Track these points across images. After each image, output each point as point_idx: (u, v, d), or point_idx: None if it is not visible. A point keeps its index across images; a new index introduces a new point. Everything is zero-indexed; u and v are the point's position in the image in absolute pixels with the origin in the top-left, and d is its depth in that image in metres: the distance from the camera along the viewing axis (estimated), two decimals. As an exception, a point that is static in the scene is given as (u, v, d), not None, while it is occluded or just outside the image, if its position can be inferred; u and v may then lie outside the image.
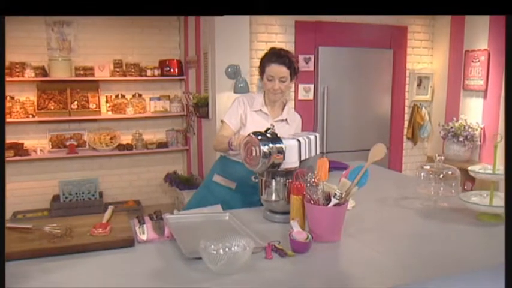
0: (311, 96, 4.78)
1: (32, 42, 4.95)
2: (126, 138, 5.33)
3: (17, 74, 4.78)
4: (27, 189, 5.10)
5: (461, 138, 4.39)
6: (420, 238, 1.80)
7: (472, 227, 1.90)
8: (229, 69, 4.12)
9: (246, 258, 1.39)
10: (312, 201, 1.68)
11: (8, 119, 4.74)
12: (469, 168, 2.06)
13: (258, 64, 4.46)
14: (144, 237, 1.70)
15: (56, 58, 4.89)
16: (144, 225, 1.80)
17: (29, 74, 4.78)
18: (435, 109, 5.22)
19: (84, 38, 5.13)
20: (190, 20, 5.07)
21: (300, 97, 4.76)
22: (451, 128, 4.51)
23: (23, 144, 4.93)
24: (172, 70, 5.27)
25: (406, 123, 5.25)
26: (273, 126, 2.15)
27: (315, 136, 2.07)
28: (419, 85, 5.15)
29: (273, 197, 1.91)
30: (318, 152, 2.10)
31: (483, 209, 1.95)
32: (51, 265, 1.48)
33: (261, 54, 4.48)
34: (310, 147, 2.02)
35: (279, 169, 1.90)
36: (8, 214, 4.96)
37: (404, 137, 5.26)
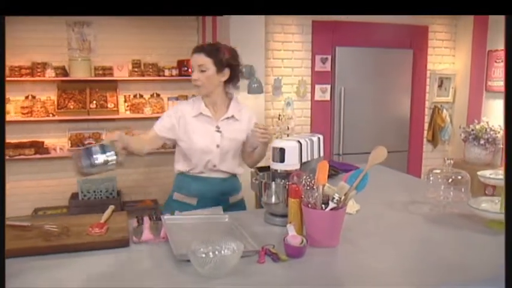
0: (328, 97, 4.72)
1: (53, 42, 5.04)
2: (144, 138, 5.37)
3: (39, 73, 4.87)
4: (47, 187, 5.20)
5: (482, 141, 4.27)
6: (424, 245, 1.74)
7: (480, 234, 1.82)
8: (244, 70, 4.08)
9: (234, 262, 1.37)
10: (309, 205, 1.64)
11: (29, 118, 4.86)
12: (479, 173, 1.98)
13: (273, 64, 4.52)
14: (139, 237, 1.69)
15: (75, 58, 4.97)
16: (142, 226, 1.81)
17: (50, 74, 4.86)
18: (457, 111, 5.09)
19: (104, 38, 5.19)
20: (207, 20, 5.07)
21: (316, 98, 4.71)
22: (472, 130, 4.38)
23: (43, 142, 5.03)
24: (190, 70, 5.27)
25: (426, 125, 5.13)
26: (219, 127, 2.18)
27: (318, 138, 2.03)
28: (440, 86, 5.03)
29: (273, 200, 1.87)
30: (321, 155, 2.05)
31: (492, 216, 1.87)
32: (45, 263, 1.49)
33: (278, 54, 4.54)
34: (313, 149, 1.98)
35: (279, 171, 1.87)
36: (29, 211, 5.07)
37: (424, 140, 5.15)
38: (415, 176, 3.16)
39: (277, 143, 1.89)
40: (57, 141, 5.12)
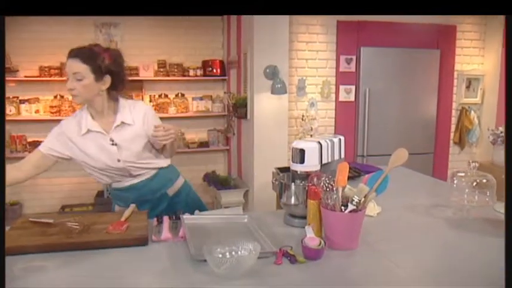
0: (352, 98, 4.67)
1: (81, 43, 5.07)
2: (168, 137, 5.42)
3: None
4: (74, 185, 5.32)
5: (511, 144, 4.14)
6: (445, 250, 1.69)
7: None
8: (268, 70, 4.09)
9: (251, 263, 1.36)
10: (328, 207, 1.62)
11: (57, 117, 4.97)
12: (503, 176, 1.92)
13: (298, 65, 4.50)
14: (158, 236, 1.71)
15: (102, 58, 5.06)
16: (161, 225, 1.83)
17: (78, 73, 4.96)
18: (485, 112, 4.96)
19: (130, 39, 5.28)
20: (232, 20, 5.10)
21: (340, 99, 4.67)
22: (501, 132, 4.26)
23: (70, 141, 5.14)
24: (214, 70, 5.33)
25: (453, 127, 5.02)
26: (113, 141, 2.01)
27: (339, 139, 2.01)
28: (468, 87, 4.91)
29: (292, 201, 1.86)
30: (342, 156, 2.03)
31: (519, 221, 1.81)
32: (66, 259, 1.52)
33: (302, 54, 4.52)
34: (334, 150, 1.96)
35: (298, 172, 1.86)
36: (56, 207, 5.20)
37: (451, 142, 5.04)
38: (440, 179, 3.09)
39: (297, 144, 1.87)
40: (84, 139, 5.22)
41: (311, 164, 1.84)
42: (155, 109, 5.28)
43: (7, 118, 4.87)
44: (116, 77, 1.98)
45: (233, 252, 1.42)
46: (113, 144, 2.01)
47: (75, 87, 1.91)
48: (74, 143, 2.01)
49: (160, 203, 2.21)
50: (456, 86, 4.94)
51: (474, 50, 4.95)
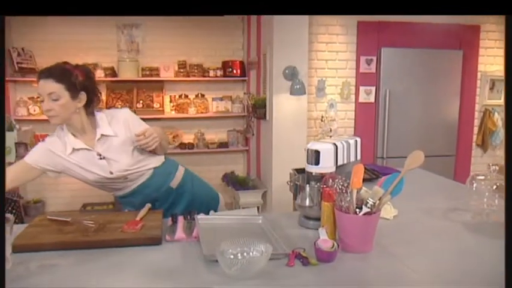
0: (372, 99, 4.63)
1: (104, 44, 5.23)
2: (188, 138, 5.47)
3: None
4: (95, 183, 5.39)
5: (536, 147, 4.04)
6: (462, 255, 1.64)
7: None
8: (287, 71, 4.08)
9: (262, 264, 1.36)
10: (342, 209, 1.61)
11: (79, 117, 5.05)
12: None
13: (317, 66, 4.48)
14: (172, 236, 1.72)
15: (124, 59, 5.13)
16: (176, 224, 1.84)
17: (100, 74, 5.05)
18: (510, 114, 4.84)
19: (151, 40, 5.34)
20: (252, 21, 5.10)
21: (360, 100, 4.63)
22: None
23: (92, 140, 5.22)
24: (234, 71, 5.34)
25: (475, 129, 4.92)
26: (100, 155, 1.98)
27: (356, 141, 1.98)
28: (491, 88, 4.82)
29: (307, 202, 1.85)
30: (358, 158, 2.01)
31: (540, 227, 1.76)
32: (81, 257, 1.54)
33: (321, 55, 4.49)
34: (349, 152, 1.94)
35: (313, 174, 1.84)
36: (78, 205, 5.29)
37: (474, 144, 4.94)
38: (461, 182, 3.02)
39: (313, 145, 1.86)
40: (106, 139, 5.29)
41: (326, 165, 1.82)
42: (175, 109, 5.33)
43: (32, 118, 4.99)
44: (90, 93, 1.96)
45: (245, 254, 1.42)
46: (100, 158, 1.99)
47: (52, 108, 1.86)
48: (64, 159, 1.99)
49: (168, 197, 2.22)
50: (479, 87, 4.85)
51: (498, 50, 4.85)
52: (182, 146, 5.33)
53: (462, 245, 1.74)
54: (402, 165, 3.64)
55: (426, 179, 2.93)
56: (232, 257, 1.40)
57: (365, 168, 2.83)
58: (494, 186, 1.99)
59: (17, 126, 4.54)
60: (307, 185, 1.85)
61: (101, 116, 2.03)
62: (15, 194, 4.24)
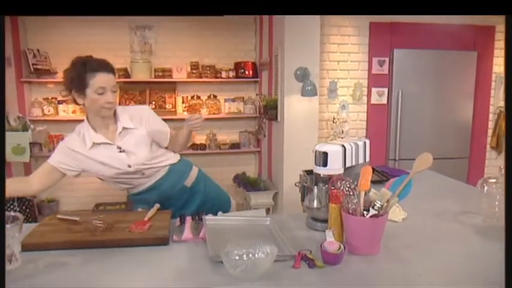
0: (384, 101, 4.60)
1: (117, 45, 5.27)
2: (200, 138, 5.49)
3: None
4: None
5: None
6: (471, 259, 1.61)
7: None
8: (298, 72, 4.08)
9: (267, 266, 1.36)
10: (349, 211, 1.60)
11: (93, 117, 5.10)
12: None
13: (329, 67, 4.46)
14: (179, 236, 1.73)
15: (137, 60, 5.17)
16: (184, 225, 1.85)
17: (113, 75, 5.09)
18: (525, 117, 4.77)
19: (164, 41, 5.36)
20: (265, 22, 5.10)
21: (372, 101, 4.60)
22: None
23: (105, 141, 5.27)
24: (247, 72, 5.34)
25: (489, 132, 4.85)
26: (120, 148, 2.03)
27: (364, 142, 1.97)
28: (507, 90, 4.73)
29: (315, 204, 1.84)
30: (367, 160, 1.99)
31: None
32: (89, 256, 1.56)
33: (333, 56, 4.47)
34: (358, 153, 1.93)
35: (321, 175, 1.84)
36: (91, 205, 5.34)
37: (488, 146, 4.87)
38: (474, 185, 2.98)
39: (321, 147, 1.85)
40: (118, 139, 5.34)
41: (334, 167, 1.81)
42: (187, 110, 5.35)
43: (46, 118, 5.05)
44: None
45: (250, 255, 1.42)
46: (120, 151, 2.06)
47: (114, 100, 2.00)
48: (84, 156, 2.06)
49: (182, 195, 2.26)
50: (494, 88, 4.78)
51: (514, 51, 4.76)
52: (194, 146, 5.35)
53: (471, 248, 1.72)
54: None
55: (437, 181, 2.90)
56: (237, 258, 1.40)
57: (375, 170, 2.84)
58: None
59: (32, 126, 4.61)
60: (315, 187, 1.84)
61: (121, 110, 2.12)
62: (29, 193, 4.30)
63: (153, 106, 5.20)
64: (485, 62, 4.71)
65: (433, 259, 1.59)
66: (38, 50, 5.05)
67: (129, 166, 2.08)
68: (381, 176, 2.80)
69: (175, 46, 5.39)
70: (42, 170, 2.09)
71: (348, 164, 1.87)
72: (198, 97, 5.40)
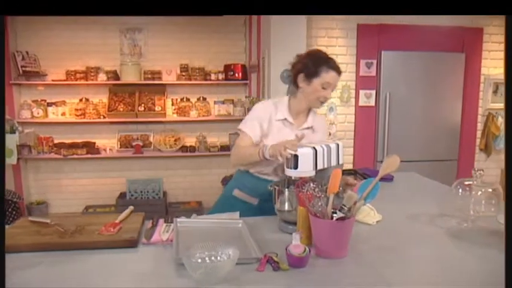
0: (372, 103, 4.60)
1: (107, 48, 5.28)
2: (190, 141, 5.48)
3: (92, 77, 5.12)
4: (97, 186, 5.44)
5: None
6: (443, 263, 1.60)
7: None
8: (284, 74, 4.07)
9: (228, 269, 1.35)
10: (316, 214, 1.59)
11: (82, 119, 5.11)
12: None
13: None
14: (149, 239, 1.72)
15: (126, 63, 5.17)
16: (155, 228, 1.84)
17: (102, 77, 5.10)
18: (513, 119, 4.77)
19: (154, 44, 5.37)
20: (253, 25, 5.10)
21: (360, 103, 4.60)
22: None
23: (94, 143, 5.27)
24: (236, 74, 5.34)
25: (478, 133, 4.85)
26: (297, 135, 2.00)
27: (337, 145, 1.97)
28: (495, 92, 4.75)
29: (286, 207, 1.84)
30: (341, 162, 1.99)
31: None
32: (55, 259, 1.56)
33: (321, 59, 4.46)
34: (330, 156, 1.93)
35: (293, 178, 1.84)
36: (80, 208, 5.33)
37: (477, 148, 4.87)
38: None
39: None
40: (108, 142, 5.35)
41: (305, 169, 1.81)
42: (177, 113, 5.35)
43: (35, 120, 5.04)
44: None
45: (212, 257, 1.41)
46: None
47: (330, 97, 2.20)
48: (270, 124, 2.17)
49: None
50: (482, 90, 4.79)
51: (502, 53, 4.74)
52: (184, 149, 5.34)
53: (442, 252, 1.72)
54: (403, 169, 3.61)
55: (418, 183, 2.90)
56: (199, 260, 1.39)
57: (356, 172, 2.83)
58: (479, 192, 1.96)
59: (20, 128, 4.61)
60: (286, 190, 1.84)
61: (314, 110, 2.30)
62: (15, 195, 4.29)
63: (143, 108, 5.20)
64: (474, 63, 4.71)
65: (401, 263, 1.58)
66: (27, 52, 5.05)
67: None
68: (362, 178, 2.79)
69: (165, 49, 5.39)
70: (241, 139, 2.21)
71: (320, 167, 1.87)
72: (188, 99, 5.40)
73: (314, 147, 1.84)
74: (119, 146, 5.33)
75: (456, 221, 2.02)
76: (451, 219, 2.05)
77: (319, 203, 1.56)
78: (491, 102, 4.77)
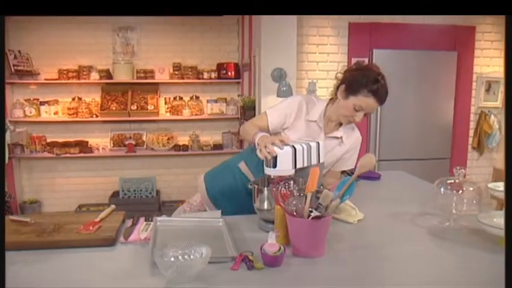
0: (364, 101, 4.58)
1: (99, 47, 5.28)
2: (183, 139, 5.48)
3: (84, 76, 5.12)
4: (91, 184, 5.44)
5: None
6: (419, 262, 1.59)
7: (488, 253, 1.64)
8: (275, 73, 4.08)
9: (199, 267, 1.35)
10: (292, 213, 1.59)
11: (74, 118, 5.11)
12: (489, 185, 1.84)
13: (308, 67, 4.45)
14: (126, 238, 1.72)
15: (119, 62, 5.17)
16: (135, 226, 1.84)
17: (94, 76, 5.10)
18: (506, 117, 4.77)
19: (146, 43, 5.37)
20: (246, 23, 5.10)
21: (352, 102, 4.58)
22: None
23: (87, 142, 5.27)
24: (229, 73, 5.34)
25: (471, 132, 4.84)
26: (318, 144, 1.94)
27: (317, 143, 1.96)
28: (487, 90, 4.74)
29: (265, 206, 1.83)
30: (321, 161, 1.98)
31: (502, 233, 1.71)
32: (32, 258, 1.55)
33: (312, 57, 4.47)
34: (310, 154, 1.92)
35: (272, 177, 1.83)
36: (73, 206, 5.34)
37: (469, 147, 4.87)
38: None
39: (271, 148, 1.85)
40: (101, 141, 5.35)
41: (284, 168, 1.80)
42: (170, 111, 5.35)
43: (27, 119, 5.04)
44: None
45: (186, 256, 1.41)
46: (318, 145, 1.99)
47: (359, 121, 2.06)
48: (296, 119, 2.11)
49: None
50: (475, 89, 4.78)
51: (495, 51, 4.77)
52: (177, 147, 5.34)
53: (420, 251, 1.70)
54: (396, 168, 3.60)
55: (407, 183, 2.89)
56: (172, 259, 1.39)
57: (343, 171, 2.82)
58: (460, 191, 1.95)
59: (11, 127, 4.60)
60: (265, 188, 1.84)
61: (350, 127, 2.19)
62: (6, 194, 4.29)
63: (135, 107, 5.20)
64: (466, 62, 4.70)
65: (379, 262, 1.58)
66: (20, 51, 5.04)
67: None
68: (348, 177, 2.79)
69: (158, 47, 5.39)
70: (260, 118, 2.18)
71: (300, 165, 1.86)
72: (181, 98, 5.40)
73: (293, 146, 1.84)
74: (111, 144, 5.33)
75: (438, 220, 2.01)
76: (434, 218, 2.05)
77: (294, 202, 1.55)
78: (483, 101, 4.77)
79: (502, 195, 1.82)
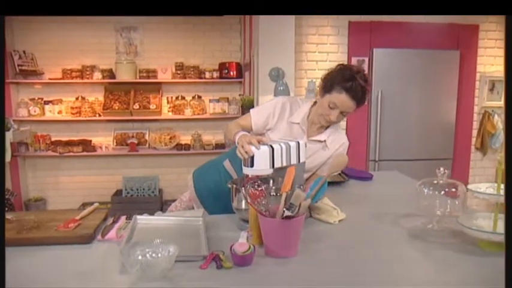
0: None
1: (103, 47, 5.33)
2: (185, 139, 5.52)
3: (87, 76, 5.18)
4: (94, 183, 5.50)
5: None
6: (395, 263, 1.57)
7: (468, 255, 1.62)
8: (273, 72, 4.07)
9: (164, 266, 1.36)
10: (264, 213, 1.59)
11: (78, 118, 5.17)
12: (469, 186, 1.81)
13: (308, 67, 4.43)
14: (103, 235, 1.74)
15: (122, 61, 5.21)
16: (115, 224, 1.86)
17: (97, 76, 5.15)
18: (509, 117, 4.70)
19: (149, 42, 5.41)
20: (247, 23, 5.10)
21: (352, 101, 4.56)
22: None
23: (91, 141, 5.33)
24: (231, 73, 5.35)
25: (474, 132, 4.78)
26: (298, 143, 1.92)
27: (297, 143, 1.95)
28: (491, 90, 4.68)
29: (243, 205, 1.84)
30: (301, 160, 1.98)
31: (483, 236, 1.67)
32: (12, 255, 1.57)
33: (312, 56, 4.45)
34: (290, 154, 1.91)
35: (250, 176, 1.84)
36: (77, 204, 5.39)
37: (472, 147, 4.81)
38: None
39: (248, 147, 1.85)
40: (104, 139, 5.40)
41: (261, 167, 1.80)
42: (172, 111, 5.38)
43: (32, 118, 5.12)
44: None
45: (154, 254, 1.42)
46: (296, 143, 1.96)
47: (336, 120, 2.04)
48: (278, 121, 2.10)
49: None
50: (478, 88, 4.71)
51: (498, 50, 4.70)
52: (179, 147, 5.37)
53: (397, 252, 1.68)
54: (396, 168, 3.56)
55: (398, 183, 2.87)
56: (140, 257, 1.40)
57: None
58: (442, 192, 1.93)
59: (15, 126, 4.67)
60: (242, 188, 1.84)
61: (335, 126, 2.16)
62: (8, 191, 4.36)
63: (137, 107, 5.24)
64: (469, 61, 4.64)
65: (353, 262, 1.56)
66: (24, 51, 5.12)
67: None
68: (340, 178, 2.78)
69: (160, 47, 5.43)
70: (244, 118, 2.16)
71: (278, 165, 1.86)
72: (183, 98, 5.43)
73: (271, 146, 1.84)
74: (114, 143, 5.38)
75: (421, 221, 1.99)
76: (418, 219, 2.02)
77: (263, 202, 1.55)
78: (487, 100, 4.70)
79: (482, 197, 1.79)
